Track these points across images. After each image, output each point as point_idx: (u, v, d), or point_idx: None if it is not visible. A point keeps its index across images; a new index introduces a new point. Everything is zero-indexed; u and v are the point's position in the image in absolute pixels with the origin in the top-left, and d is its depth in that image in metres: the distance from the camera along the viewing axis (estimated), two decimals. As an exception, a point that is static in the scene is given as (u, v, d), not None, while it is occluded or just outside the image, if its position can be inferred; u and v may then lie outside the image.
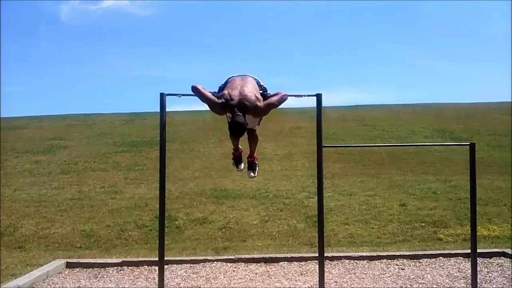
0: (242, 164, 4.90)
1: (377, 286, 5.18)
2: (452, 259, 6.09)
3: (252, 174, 4.87)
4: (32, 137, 18.66)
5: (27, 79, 53.77)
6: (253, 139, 4.55)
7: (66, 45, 53.41)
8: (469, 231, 4.61)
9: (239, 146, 4.80)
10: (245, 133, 4.25)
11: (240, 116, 3.67)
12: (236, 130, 3.71)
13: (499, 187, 10.29)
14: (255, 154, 4.80)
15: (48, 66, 53.82)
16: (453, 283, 5.20)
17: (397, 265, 5.95)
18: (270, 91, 4.16)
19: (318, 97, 4.25)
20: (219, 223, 8.49)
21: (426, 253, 6.37)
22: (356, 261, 6.12)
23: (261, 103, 3.81)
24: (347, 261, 6.13)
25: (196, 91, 3.91)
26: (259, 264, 6.07)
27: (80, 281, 5.50)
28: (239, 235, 7.93)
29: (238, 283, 5.35)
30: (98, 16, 55.18)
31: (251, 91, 3.82)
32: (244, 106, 3.73)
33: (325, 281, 4.28)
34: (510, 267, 5.73)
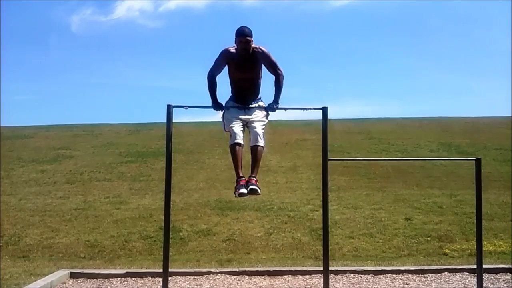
0: (244, 189, 4.19)
1: (381, 301, 5.13)
2: (458, 275, 6.02)
3: (254, 187, 4.16)
4: (39, 146, 18.78)
5: (36, 88, 54.34)
6: (256, 158, 4.29)
7: (75, 55, 54.04)
8: (475, 246, 4.57)
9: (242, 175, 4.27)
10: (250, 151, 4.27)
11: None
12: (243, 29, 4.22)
13: (505, 202, 10.20)
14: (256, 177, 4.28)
15: (57, 76, 54.40)
16: (459, 299, 5.15)
17: (402, 279, 5.89)
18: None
19: (324, 110, 4.27)
20: (223, 235, 8.46)
21: (432, 268, 6.30)
22: (361, 275, 6.07)
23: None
24: (352, 275, 6.08)
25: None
26: (263, 277, 6.03)
27: (83, 292, 5.49)
28: (243, 247, 7.90)
29: (242, 296, 5.32)
30: (108, 27, 55.90)
31: None
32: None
33: (329, 295, 4.25)
34: (517, 284, 5.66)
